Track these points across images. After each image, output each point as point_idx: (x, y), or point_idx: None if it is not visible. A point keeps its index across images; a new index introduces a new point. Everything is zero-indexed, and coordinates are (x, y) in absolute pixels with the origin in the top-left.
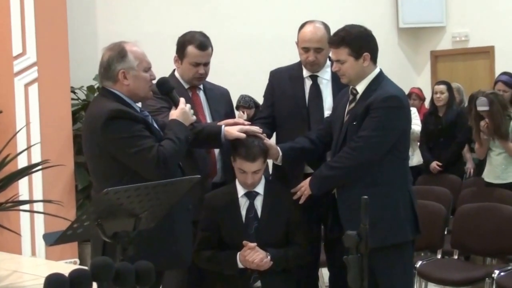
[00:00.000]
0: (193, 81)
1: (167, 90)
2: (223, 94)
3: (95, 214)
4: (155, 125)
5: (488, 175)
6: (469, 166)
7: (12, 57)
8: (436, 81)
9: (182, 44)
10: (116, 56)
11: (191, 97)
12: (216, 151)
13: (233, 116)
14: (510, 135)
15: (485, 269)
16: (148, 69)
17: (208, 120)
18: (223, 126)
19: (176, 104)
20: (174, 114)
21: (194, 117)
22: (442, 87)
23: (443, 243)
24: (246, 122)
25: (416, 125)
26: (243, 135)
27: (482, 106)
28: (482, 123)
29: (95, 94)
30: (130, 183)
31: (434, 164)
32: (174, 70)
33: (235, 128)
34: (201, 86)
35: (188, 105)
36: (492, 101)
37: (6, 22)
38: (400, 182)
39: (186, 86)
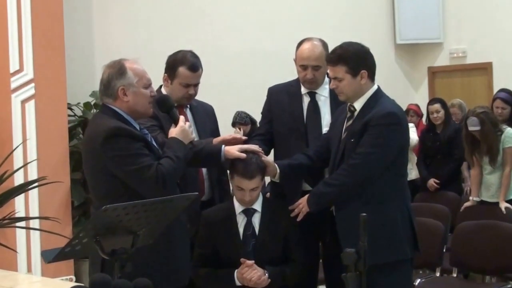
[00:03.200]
0: (182, 101)
1: (167, 108)
2: (208, 111)
3: (94, 231)
4: (154, 143)
5: (484, 194)
6: (468, 184)
7: (9, 74)
8: (430, 100)
9: (173, 64)
10: (116, 73)
11: None
12: (204, 169)
13: (219, 133)
14: (500, 150)
15: (484, 287)
16: (148, 86)
17: (195, 138)
18: (223, 146)
19: (176, 122)
20: (173, 132)
21: (194, 136)
22: (437, 106)
23: (442, 261)
24: (244, 138)
25: (414, 137)
26: (244, 155)
27: (473, 126)
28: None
29: (92, 111)
30: (129, 200)
31: (432, 182)
32: (160, 86)
33: (235, 147)
34: (188, 104)
35: (188, 123)
36: (483, 120)
37: (3, 39)
38: (399, 199)
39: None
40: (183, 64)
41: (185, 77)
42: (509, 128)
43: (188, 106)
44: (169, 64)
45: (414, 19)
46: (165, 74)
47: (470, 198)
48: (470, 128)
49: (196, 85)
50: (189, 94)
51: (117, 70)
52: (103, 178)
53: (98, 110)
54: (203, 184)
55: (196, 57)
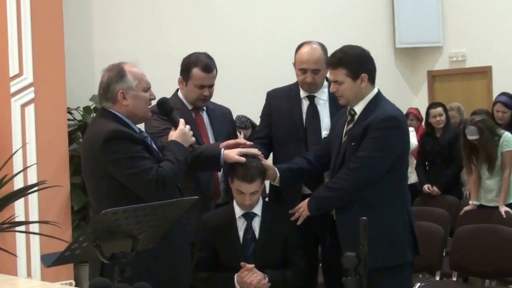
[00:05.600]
0: (197, 103)
1: (167, 111)
2: (226, 114)
3: (93, 235)
4: (154, 146)
5: (483, 199)
6: (467, 188)
7: (8, 78)
8: (430, 104)
9: (187, 65)
10: (115, 76)
11: (195, 118)
12: (220, 172)
13: (236, 136)
14: (499, 155)
15: None
16: (147, 89)
17: (211, 141)
18: (222, 150)
19: (175, 125)
20: (173, 135)
21: (193, 139)
22: (440, 109)
23: (442, 264)
24: (248, 142)
25: (413, 141)
26: (243, 159)
27: (472, 135)
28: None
29: (92, 115)
30: (129, 204)
31: (426, 187)
32: (177, 90)
33: (234, 151)
34: (204, 107)
35: (188, 126)
36: (481, 129)
37: (3, 43)
38: (399, 202)
39: (190, 107)
40: (197, 65)
41: (199, 78)
42: (507, 133)
43: (204, 109)
44: (183, 66)
45: (414, 22)
46: (180, 77)
47: (470, 202)
48: (469, 137)
49: (210, 86)
50: (204, 95)
51: (116, 73)
52: (102, 181)
53: (97, 114)
54: (218, 187)
55: (210, 58)
